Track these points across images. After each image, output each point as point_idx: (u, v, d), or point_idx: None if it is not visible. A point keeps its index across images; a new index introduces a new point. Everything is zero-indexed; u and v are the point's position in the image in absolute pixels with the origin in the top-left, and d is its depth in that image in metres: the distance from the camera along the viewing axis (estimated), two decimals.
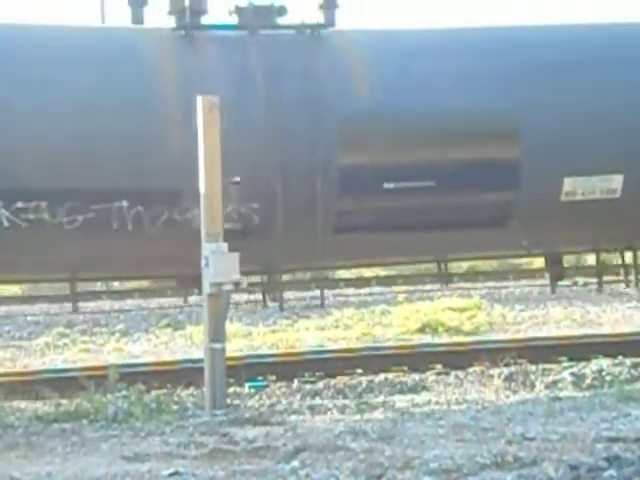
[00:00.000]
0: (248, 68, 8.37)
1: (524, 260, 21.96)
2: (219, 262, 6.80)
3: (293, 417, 6.48)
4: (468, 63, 8.81)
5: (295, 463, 4.85)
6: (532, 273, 20.73)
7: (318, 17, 8.87)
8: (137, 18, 8.95)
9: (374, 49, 8.84)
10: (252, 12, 8.81)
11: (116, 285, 21.21)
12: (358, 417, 6.39)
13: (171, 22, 8.74)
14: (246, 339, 11.78)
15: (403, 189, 8.45)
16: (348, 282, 19.70)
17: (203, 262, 6.86)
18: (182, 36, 8.51)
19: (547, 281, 18.21)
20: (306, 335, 11.92)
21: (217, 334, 6.86)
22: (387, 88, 8.57)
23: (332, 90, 8.45)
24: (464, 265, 21.48)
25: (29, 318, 16.26)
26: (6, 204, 7.53)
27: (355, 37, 9.00)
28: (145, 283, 20.89)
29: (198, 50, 8.47)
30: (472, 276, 20.65)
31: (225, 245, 6.87)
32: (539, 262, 21.70)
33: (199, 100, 7.03)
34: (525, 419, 5.92)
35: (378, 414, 6.55)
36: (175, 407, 7.04)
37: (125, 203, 7.63)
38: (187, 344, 11.84)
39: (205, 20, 8.78)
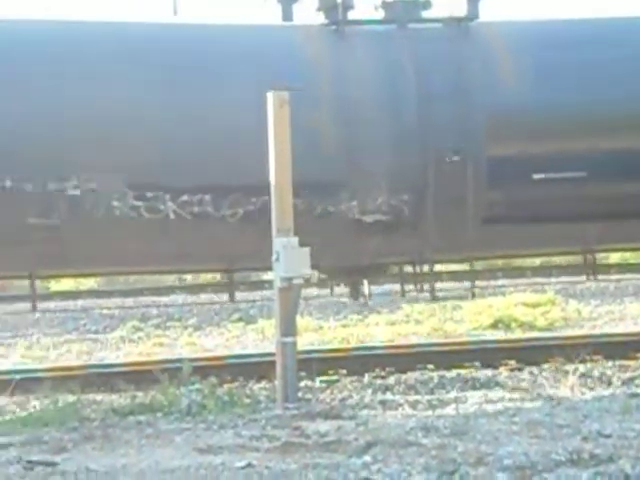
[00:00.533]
0: (399, 62, 8.49)
1: (600, 255, 21.51)
2: (290, 257, 6.81)
3: (364, 412, 6.46)
4: (617, 52, 8.70)
5: (367, 458, 4.83)
6: (607, 268, 20.31)
7: (460, 10, 8.87)
8: (287, 15, 9.10)
9: (521, 41, 8.81)
10: (400, 6, 8.84)
11: (189, 279, 21.49)
12: (430, 413, 6.34)
13: (319, 18, 8.85)
14: (317, 333, 11.81)
15: (553, 180, 8.40)
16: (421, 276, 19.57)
17: (274, 256, 6.88)
18: (334, 32, 8.67)
19: (624, 276, 17.83)
20: (376, 330, 11.90)
21: (288, 328, 6.89)
22: (536, 79, 8.53)
23: (482, 82, 8.48)
24: (537, 260, 21.17)
25: (104, 312, 16.61)
26: (173, 197, 7.82)
27: (501, 29, 8.97)
28: (218, 277, 21.11)
29: (350, 45, 8.62)
30: (546, 270, 20.33)
31: (296, 239, 6.88)
32: (615, 257, 21.26)
33: (269, 96, 7.05)
34: (601, 416, 5.80)
35: (450, 410, 6.49)
36: (247, 400, 7.09)
37: None
38: (259, 338, 11.93)
39: (351, 15, 8.87)
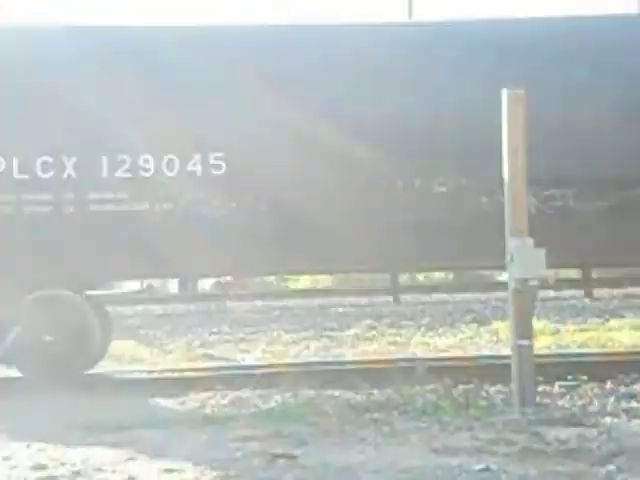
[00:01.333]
0: None
1: None
2: (525, 258, 6.67)
3: (607, 419, 6.18)
4: None
5: (611, 467, 4.63)
6: None
7: None
8: None
9: None
10: None
11: (421, 279, 21.55)
12: None
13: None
14: (554, 337, 11.46)
15: None
16: None
17: (508, 257, 6.76)
18: None
19: None
20: (619, 335, 11.36)
21: (523, 330, 6.74)
22: None
23: None
24: None
25: (340, 310, 17.01)
26: (536, 192, 8.12)
27: None
28: (450, 277, 20.99)
29: None
30: None
31: (531, 240, 6.72)
32: None
33: (504, 94, 6.93)
34: None
35: None
36: (483, 403, 6.99)
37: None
38: (492, 339, 11.75)
39: None
